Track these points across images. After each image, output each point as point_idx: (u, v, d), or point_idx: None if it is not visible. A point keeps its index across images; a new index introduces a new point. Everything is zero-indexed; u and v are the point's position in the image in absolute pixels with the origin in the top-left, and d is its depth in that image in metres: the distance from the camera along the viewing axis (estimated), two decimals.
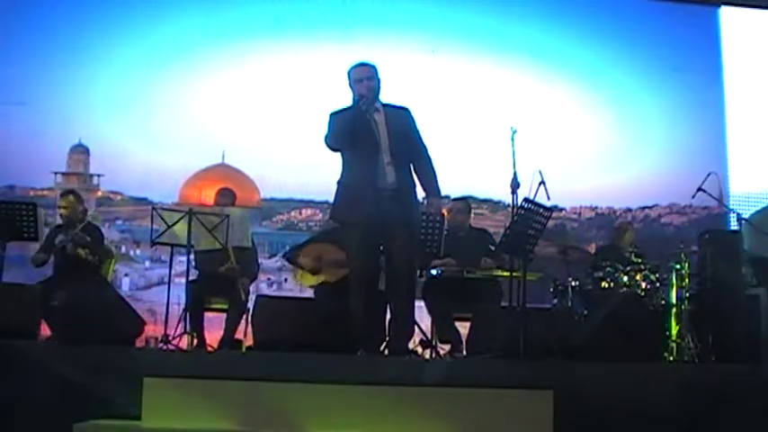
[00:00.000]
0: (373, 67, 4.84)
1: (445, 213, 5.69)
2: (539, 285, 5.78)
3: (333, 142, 4.74)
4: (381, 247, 4.82)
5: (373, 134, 4.73)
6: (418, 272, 5.51)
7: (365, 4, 7.90)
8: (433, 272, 5.64)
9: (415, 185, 4.84)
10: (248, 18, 7.76)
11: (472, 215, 6.16)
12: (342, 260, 5.70)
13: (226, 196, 6.05)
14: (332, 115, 4.84)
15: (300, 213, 7.97)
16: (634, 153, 8.13)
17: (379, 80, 4.82)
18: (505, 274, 5.56)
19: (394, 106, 4.89)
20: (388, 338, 5.03)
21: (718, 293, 5.77)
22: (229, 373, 4.27)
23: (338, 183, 4.85)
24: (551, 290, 6.03)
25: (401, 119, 4.84)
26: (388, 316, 5.03)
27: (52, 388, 4.31)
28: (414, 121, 4.88)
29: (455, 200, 6.02)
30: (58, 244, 5.64)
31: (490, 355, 4.83)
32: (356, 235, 4.74)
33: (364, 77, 4.76)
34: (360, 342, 4.75)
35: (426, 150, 4.88)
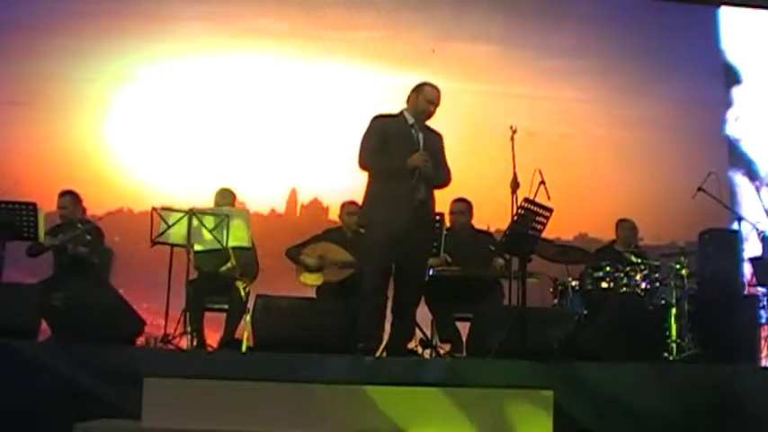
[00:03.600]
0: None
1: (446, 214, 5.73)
2: (539, 285, 5.80)
3: (370, 151, 4.89)
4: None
5: (417, 151, 4.88)
6: None
7: (366, 4, 7.90)
8: (430, 271, 5.64)
9: (434, 203, 5.06)
10: (249, 17, 7.75)
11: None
12: (345, 261, 5.71)
13: (226, 196, 6.05)
14: (376, 118, 5.00)
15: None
16: (633, 153, 8.12)
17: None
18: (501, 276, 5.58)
19: (432, 130, 5.07)
20: (388, 339, 5.04)
21: (718, 293, 5.78)
22: (229, 373, 4.27)
23: (369, 187, 4.97)
24: (551, 290, 6.04)
25: (435, 142, 5.03)
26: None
27: (52, 388, 4.31)
28: (443, 147, 5.09)
29: (456, 201, 6.01)
30: (59, 243, 5.64)
31: (490, 356, 4.83)
32: (377, 239, 4.86)
33: (435, 103, 4.97)
34: (361, 341, 4.79)
35: (449, 174, 5.07)
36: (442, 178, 5.04)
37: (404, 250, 4.86)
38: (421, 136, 4.96)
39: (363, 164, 4.95)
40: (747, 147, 8.31)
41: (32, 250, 5.71)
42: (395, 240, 4.81)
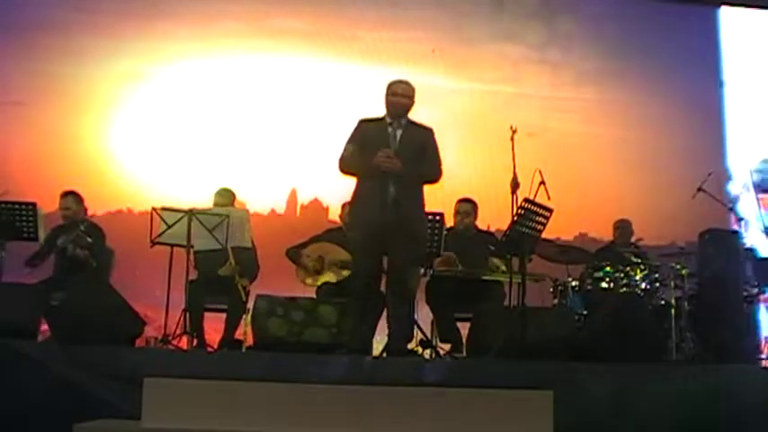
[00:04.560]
0: (412, 88, 5.00)
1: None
2: (539, 285, 5.79)
3: (345, 156, 4.94)
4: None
5: (387, 148, 4.86)
6: (422, 271, 5.55)
7: (366, 4, 7.90)
8: (431, 271, 5.63)
9: (420, 199, 4.95)
10: (247, 18, 7.75)
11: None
12: (345, 261, 5.71)
13: (225, 196, 6.05)
14: (361, 122, 5.01)
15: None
16: (633, 153, 8.12)
17: (412, 101, 4.98)
18: (501, 277, 5.58)
19: (418, 125, 5.02)
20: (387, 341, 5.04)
21: (718, 293, 5.77)
22: (229, 373, 4.27)
23: (354, 190, 5.00)
24: (551, 290, 6.04)
25: (419, 137, 4.97)
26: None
27: (52, 388, 4.31)
28: (433, 142, 5.00)
29: (461, 201, 5.99)
30: (59, 245, 5.64)
31: (490, 356, 4.83)
32: (358, 240, 4.94)
33: (399, 93, 4.94)
34: (349, 341, 4.83)
35: (434, 169, 4.97)
36: (427, 174, 4.95)
37: (387, 251, 4.88)
38: (399, 133, 4.93)
39: (340, 168, 5.00)
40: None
41: (33, 260, 5.70)
42: (373, 241, 4.83)
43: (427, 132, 5.01)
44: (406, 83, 5.00)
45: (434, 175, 4.99)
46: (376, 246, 4.86)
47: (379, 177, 4.81)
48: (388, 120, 4.97)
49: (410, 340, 5.11)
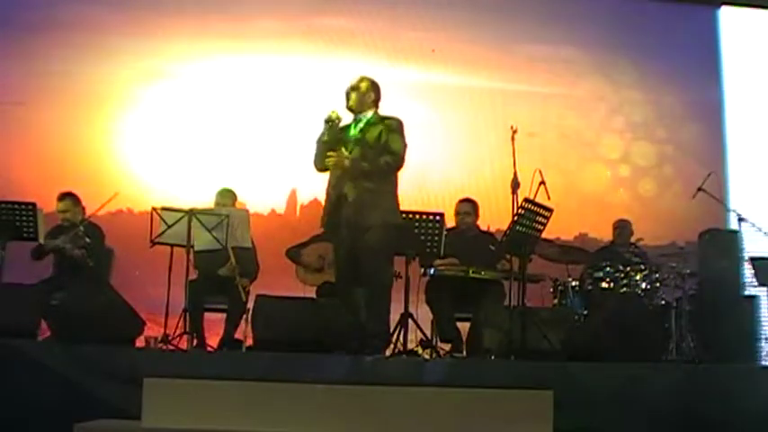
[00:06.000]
0: (369, 81, 4.98)
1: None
2: (539, 285, 5.80)
3: (314, 159, 4.99)
4: None
5: (344, 146, 4.87)
6: (422, 271, 5.54)
7: (366, 3, 7.90)
8: (431, 271, 5.63)
9: (388, 190, 4.88)
10: (246, 17, 7.75)
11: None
12: None
13: (226, 196, 6.05)
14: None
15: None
16: (633, 153, 8.12)
17: (367, 93, 4.94)
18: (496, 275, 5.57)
19: (382, 117, 4.96)
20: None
21: (718, 293, 5.78)
22: (229, 373, 4.27)
23: None
24: (551, 290, 6.04)
25: (378, 129, 4.90)
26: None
27: (52, 388, 4.31)
28: (396, 130, 4.88)
29: (461, 201, 5.99)
30: (59, 244, 5.64)
31: (490, 355, 4.84)
32: (331, 243, 5.07)
33: (353, 87, 4.94)
34: (348, 341, 4.83)
35: (394, 159, 4.84)
36: (382, 163, 4.83)
37: (353, 251, 4.84)
38: (359, 127, 4.92)
39: (314, 166, 5.04)
40: None
41: (36, 252, 5.71)
42: (340, 242, 4.90)
43: (389, 122, 4.91)
44: (359, 77, 4.98)
45: (391, 163, 4.85)
46: (344, 245, 4.87)
47: (336, 176, 4.87)
48: (353, 117, 4.99)
49: (383, 338, 4.91)
